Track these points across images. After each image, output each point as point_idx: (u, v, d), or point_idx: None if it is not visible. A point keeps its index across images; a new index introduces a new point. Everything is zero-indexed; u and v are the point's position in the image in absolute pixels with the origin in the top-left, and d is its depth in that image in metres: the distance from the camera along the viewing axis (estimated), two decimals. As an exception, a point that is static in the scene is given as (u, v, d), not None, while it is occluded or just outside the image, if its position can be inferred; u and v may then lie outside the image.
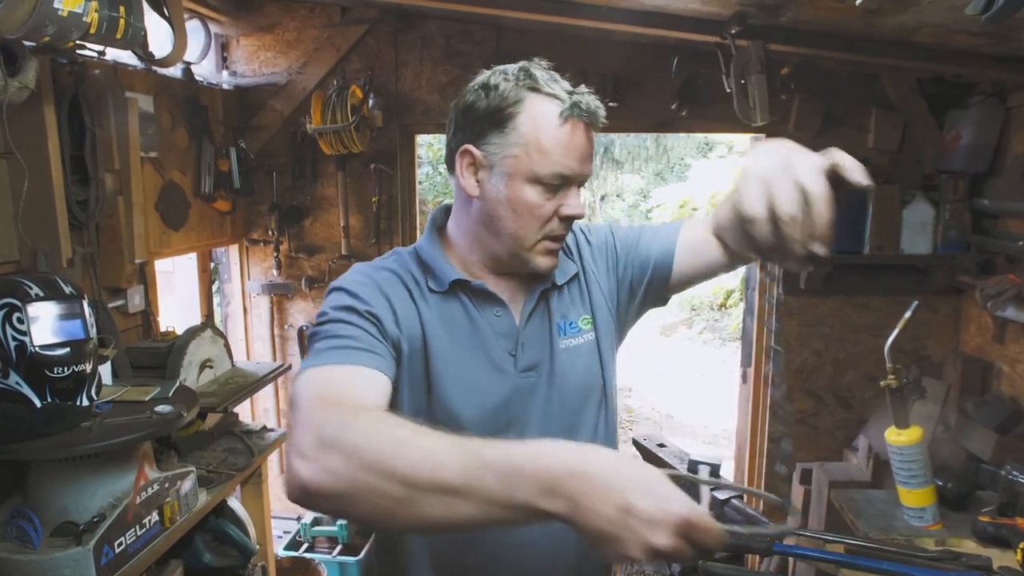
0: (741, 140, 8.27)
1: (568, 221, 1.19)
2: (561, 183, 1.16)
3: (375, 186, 3.58)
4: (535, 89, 1.14)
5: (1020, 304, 2.75)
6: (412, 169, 3.70)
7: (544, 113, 1.13)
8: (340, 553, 3.55)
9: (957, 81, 3.13)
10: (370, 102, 3.30)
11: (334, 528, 3.55)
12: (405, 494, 0.77)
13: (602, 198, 14.91)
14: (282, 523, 3.86)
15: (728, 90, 2.89)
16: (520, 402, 1.22)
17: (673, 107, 3.28)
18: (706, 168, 12.98)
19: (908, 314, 1.67)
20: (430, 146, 5.36)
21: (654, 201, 14.63)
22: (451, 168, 1.23)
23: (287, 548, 3.59)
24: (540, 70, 1.17)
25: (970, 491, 2.09)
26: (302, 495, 0.83)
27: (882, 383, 1.71)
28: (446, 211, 1.31)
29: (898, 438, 1.76)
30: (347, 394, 0.96)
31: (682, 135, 10.77)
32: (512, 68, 1.17)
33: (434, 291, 1.21)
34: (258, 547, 2.57)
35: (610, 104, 3.27)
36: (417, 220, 3.83)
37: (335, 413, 0.87)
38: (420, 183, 5.28)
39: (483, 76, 1.19)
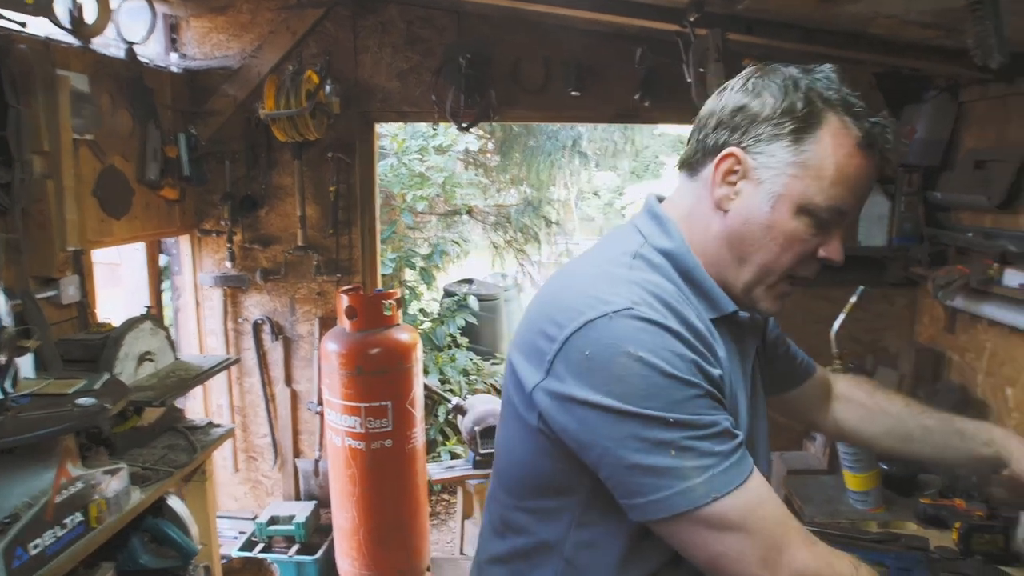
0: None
1: (820, 265, 1.03)
2: (832, 220, 0.98)
3: (333, 175, 3.50)
4: (840, 106, 0.96)
5: (968, 294, 2.76)
6: (372, 158, 3.62)
7: (844, 136, 0.95)
8: (297, 552, 3.46)
9: (913, 76, 3.13)
10: (327, 88, 3.22)
11: (291, 527, 3.47)
12: None
13: (579, 195, 14.92)
14: (237, 523, 3.76)
15: (688, 80, 2.86)
16: (759, 445, 1.10)
17: (636, 97, 3.24)
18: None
19: (853, 299, 1.65)
20: (394, 137, 5.25)
21: (628, 198, 14.70)
22: (694, 168, 1.05)
23: (242, 549, 3.50)
24: (839, 79, 0.99)
25: (913, 474, 2.11)
26: None
27: (829, 368, 1.69)
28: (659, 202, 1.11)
29: (844, 426, 1.73)
30: (794, 517, 0.94)
31: (652, 129, 10.78)
32: (804, 74, 0.98)
33: (710, 319, 1.02)
34: (201, 547, 2.49)
35: (573, 93, 3.31)
36: (377, 212, 3.75)
37: (829, 561, 0.91)
38: (384, 175, 5.21)
39: (759, 75, 0.99)
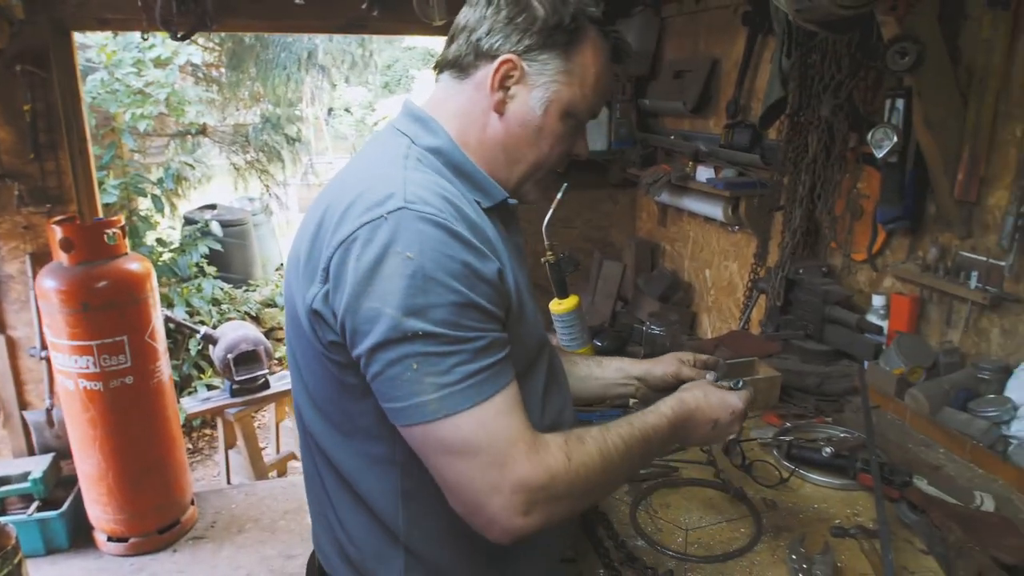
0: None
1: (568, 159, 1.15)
2: (585, 122, 1.11)
3: (27, 92, 3.06)
4: (596, 21, 1.06)
5: (672, 190, 3.19)
6: (73, 72, 3.22)
7: (600, 49, 1.07)
8: (39, 510, 3.17)
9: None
10: (2, -13, 2.77)
11: (26, 485, 3.16)
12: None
13: (329, 112, 14.35)
14: (-42, 491, 3.35)
15: (412, -10, 2.89)
16: (536, 329, 1.12)
17: (364, 6, 3.19)
18: (431, 79, 13.11)
19: (559, 195, 1.85)
20: (102, 48, 4.62)
21: (380, 114, 14.45)
22: (465, 69, 1.07)
23: (-32, 517, 3.13)
24: None
25: (621, 346, 2.44)
26: (516, 539, 0.91)
27: (542, 259, 1.89)
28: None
29: (559, 307, 1.96)
30: (528, 428, 0.92)
31: (399, 43, 10.61)
32: None
33: (480, 207, 1.05)
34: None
35: (297, 1, 3.16)
36: (88, 133, 3.36)
37: (546, 464, 0.90)
38: (95, 92, 4.63)
39: None
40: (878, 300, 2.18)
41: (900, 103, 1.85)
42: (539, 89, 1.04)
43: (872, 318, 2.18)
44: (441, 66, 1.11)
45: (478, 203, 1.04)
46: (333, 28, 3.54)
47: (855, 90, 2.14)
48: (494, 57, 1.03)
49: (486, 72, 1.04)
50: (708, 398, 1.18)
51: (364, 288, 0.87)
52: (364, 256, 0.87)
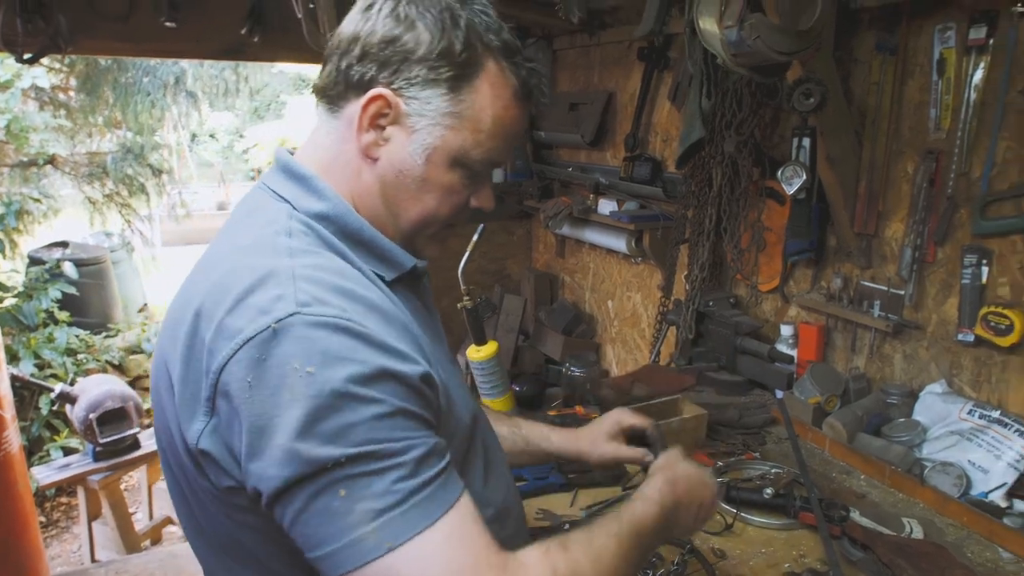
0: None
1: (471, 211, 0.97)
2: (485, 171, 0.92)
3: None
4: (499, 51, 0.87)
5: (573, 222, 3.18)
6: None
7: (502, 87, 0.88)
8: None
9: (514, 25, 3.42)
10: None
11: None
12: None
13: (192, 138, 13.54)
14: None
15: (298, 15, 2.71)
16: (457, 397, 0.95)
17: (243, 32, 2.97)
18: (302, 105, 12.67)
19: (475, 237, 1.77)
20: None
21: (250, 141, 13.82)
22: (335, 101, 0.89)
23: None
24: (495, 13, 0.89)
25: (541, 390, 2.38)
26: None
27: (459, 305, 1.79)
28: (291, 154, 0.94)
29: (477, 355, 1.86)
30: (494, 548, 0.77)
31: (270, 66, 10.21)
32: (461, 5, 0.86)
33: (384, 280, 0.89)
34: None
35: (167, 24, 2.90)
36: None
37: None
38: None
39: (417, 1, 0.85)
40: (786, 329, 2.24)
41: (807, 142, 1.91)
42: (420, 133, 0.86)
43: (781, 347, 2.23)
44: (316, 93, 0.93)
45: (381, 277, 0.89)
46: (208, 54, 3.28)
47: (756, 127, 2.20)
48: (365, 90, 0.85)
49: (356, 108, 0.86)
50: (690, 478, 1.09)
51: (262, 420, 0.71)
52: (256, 381, 0.71)
